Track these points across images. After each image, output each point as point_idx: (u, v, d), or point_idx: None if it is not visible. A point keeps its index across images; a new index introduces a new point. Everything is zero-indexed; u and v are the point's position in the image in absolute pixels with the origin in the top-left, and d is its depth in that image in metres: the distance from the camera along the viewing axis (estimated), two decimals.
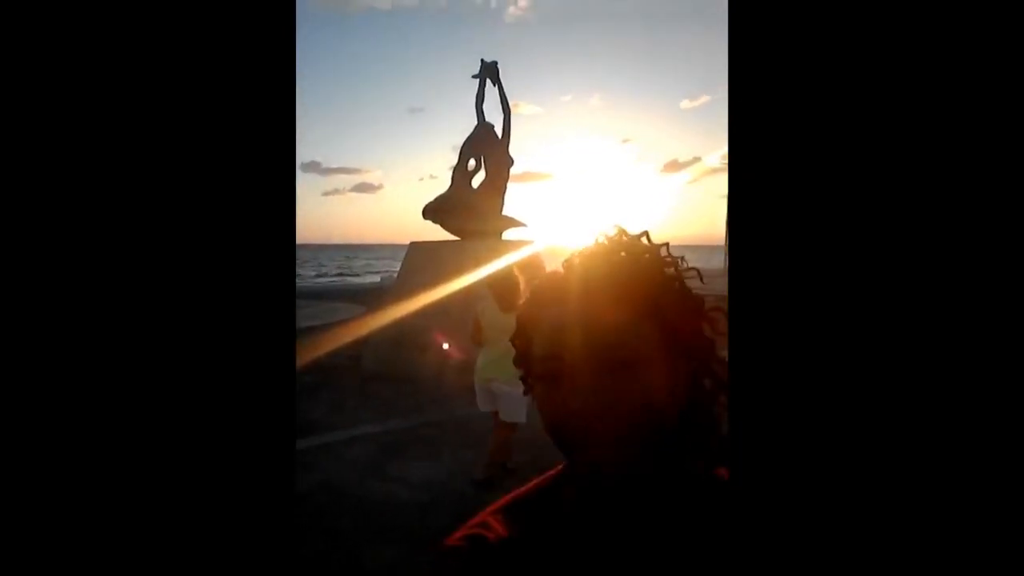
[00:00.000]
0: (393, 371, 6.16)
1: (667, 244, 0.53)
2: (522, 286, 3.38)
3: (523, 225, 8.02)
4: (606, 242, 0.53)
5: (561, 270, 0.53)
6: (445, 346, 5.47)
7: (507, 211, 7.96)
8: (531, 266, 4.35)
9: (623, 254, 0.52)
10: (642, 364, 0.48)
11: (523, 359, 0.55)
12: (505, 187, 7.92)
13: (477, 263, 6.13)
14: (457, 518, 0.54)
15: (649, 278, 0.51)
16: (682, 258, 0.53)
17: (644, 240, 0.53)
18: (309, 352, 6.26)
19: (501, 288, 3.48)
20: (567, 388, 0.48)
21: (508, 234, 8.01)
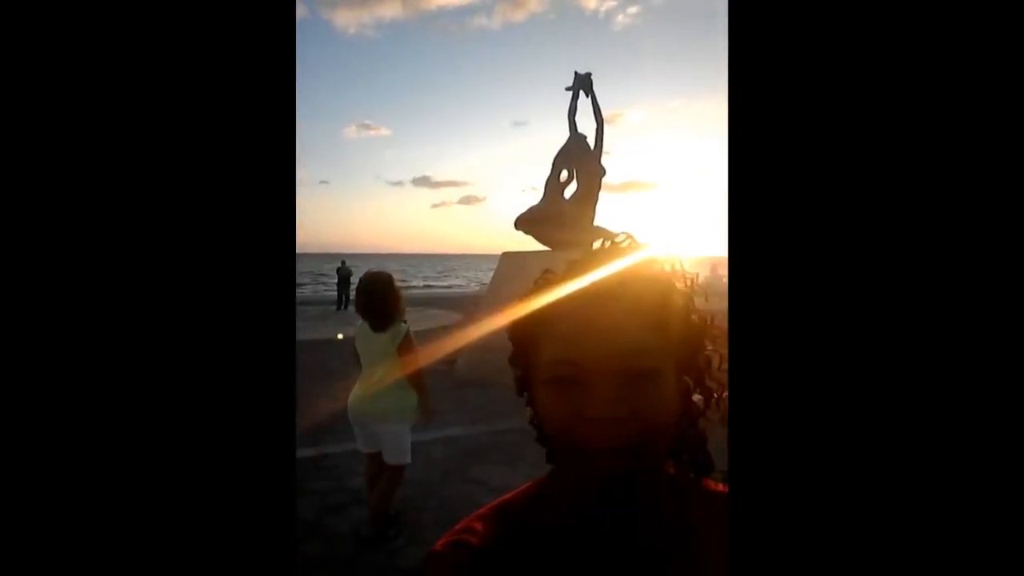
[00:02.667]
0: (484, 377, 6.33)
1: (680, 259, 0.53)
2: (401, 299, 2.77)
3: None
4: (618, 249, 0.53)
5: (563, 271, 0.53)
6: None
7: (606, 222, 7.92)
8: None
9: (636, 263, 0.51)
10: (660, 376, 0.48)
11: (524, 359, 0.54)
12: (597, 197, 7.89)
13: None
14: None
15: (666, 291, 0.51)
16: (696, 275, 0.54)
17: (653, 252, 0.53)
18: None
19: (372, 301, 2.71)
20: (584, 395, 0.46)
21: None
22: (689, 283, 0.53)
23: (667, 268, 0.52)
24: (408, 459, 2.81)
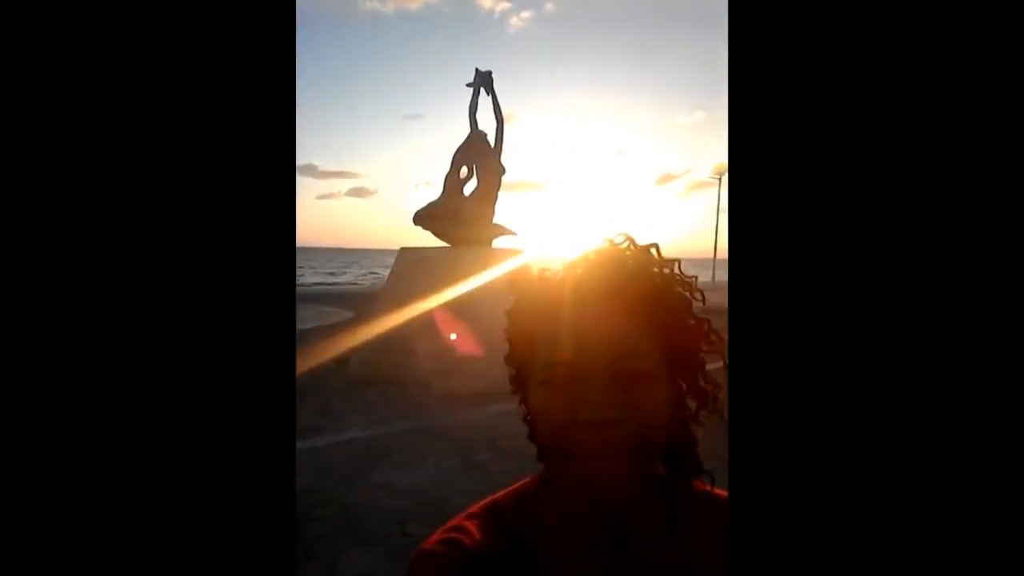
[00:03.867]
0: (380, 376, 6.15)
1: (679, 261, 0.52)
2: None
3: (513, 234, 8.06)
4: (615, 249, 0.52)
5: (561, 269, 0.52)
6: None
7: (498, 219, 7.99)
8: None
9: (633, 264, 0.50)
10: (653, 379, 0.47)
11: (519, 358, 0.53)
12: (496, 195, 7.95)
13: (466, 270, 6.15)
14: (437, 527, 0.53)
15: (664, 294, 0.50)
16: (695, 278, 0.53)
17: (654, 253, 0.52)
18: (298, 356, 6.25)
19: None
20: (577, 396, 0.46)
21: (498, 242, 8.04)
22: (687, 285, 0.52)
23: (666, 270, 0.52)
24: None
